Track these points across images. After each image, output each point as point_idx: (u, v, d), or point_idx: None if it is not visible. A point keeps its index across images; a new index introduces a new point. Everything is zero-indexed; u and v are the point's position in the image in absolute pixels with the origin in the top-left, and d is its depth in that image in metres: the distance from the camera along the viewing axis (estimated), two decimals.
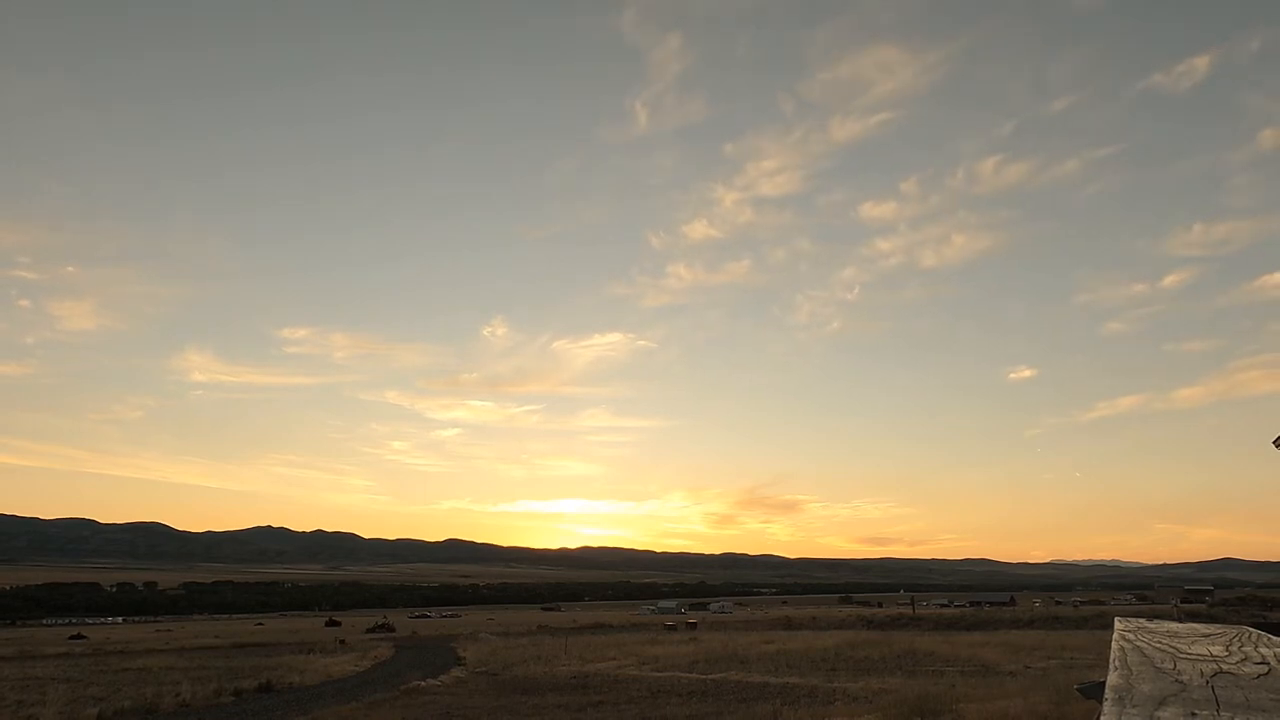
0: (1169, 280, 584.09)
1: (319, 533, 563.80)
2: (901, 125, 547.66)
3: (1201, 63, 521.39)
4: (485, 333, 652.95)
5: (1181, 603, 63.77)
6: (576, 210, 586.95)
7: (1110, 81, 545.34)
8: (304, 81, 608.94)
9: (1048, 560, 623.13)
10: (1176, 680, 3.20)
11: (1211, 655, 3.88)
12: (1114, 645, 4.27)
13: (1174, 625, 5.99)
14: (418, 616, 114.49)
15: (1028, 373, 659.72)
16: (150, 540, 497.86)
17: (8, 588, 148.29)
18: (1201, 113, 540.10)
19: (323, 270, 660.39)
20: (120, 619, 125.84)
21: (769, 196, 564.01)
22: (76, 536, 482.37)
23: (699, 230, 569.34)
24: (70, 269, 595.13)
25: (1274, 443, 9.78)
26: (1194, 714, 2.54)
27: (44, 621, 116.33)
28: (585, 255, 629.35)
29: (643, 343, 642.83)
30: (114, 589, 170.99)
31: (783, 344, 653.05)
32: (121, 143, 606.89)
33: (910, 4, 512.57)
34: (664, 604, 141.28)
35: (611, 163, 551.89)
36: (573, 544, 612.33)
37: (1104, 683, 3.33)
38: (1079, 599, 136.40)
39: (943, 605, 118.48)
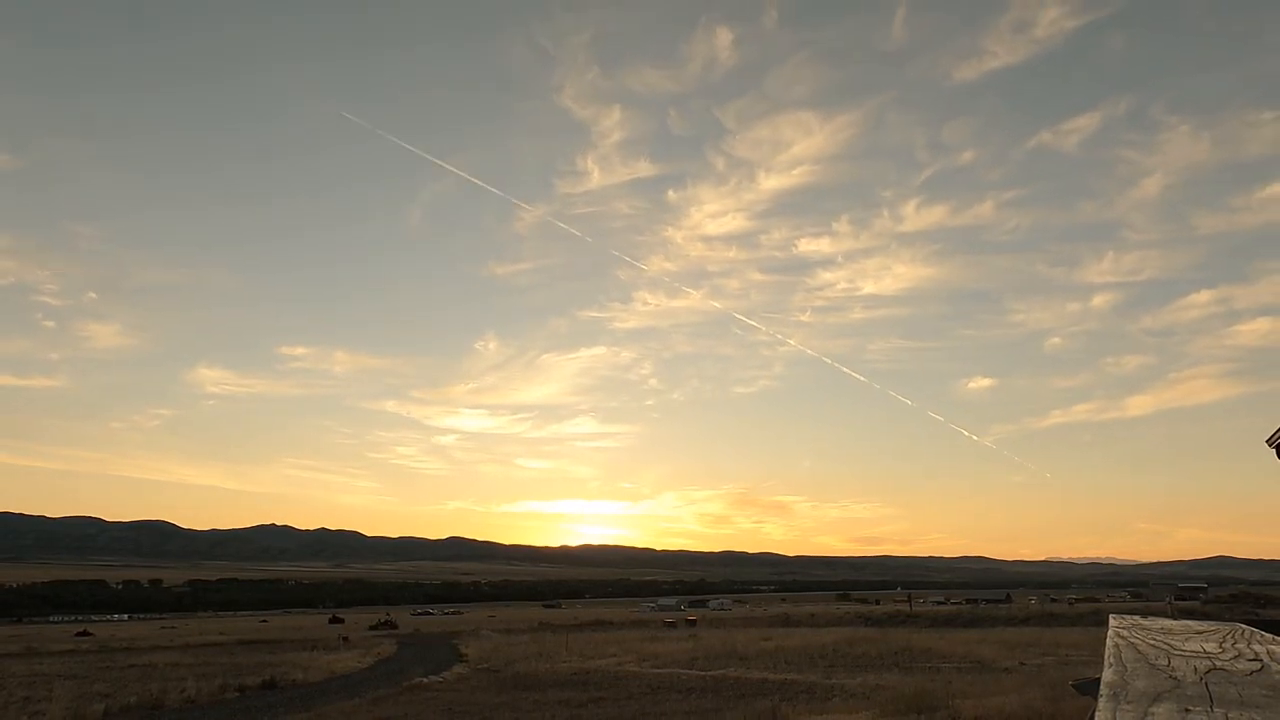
0: (1097, 301, 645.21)
1: (322, 531, 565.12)
2: (823, 176, 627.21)
3: (1087, 121, 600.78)
4: (478, 346, 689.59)
5: (1176, 600, 63.67)
6: (548, 248, 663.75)
7: (1002, 140, 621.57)
8: (306, 129, 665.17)
9: (1043, 558, 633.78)
10: (1171, 677, 3.22)
11: (1205, 652, 3.91)
12: (1109, 642, 4.30)
13: (1168, 622, 6.01)
14: (420, 614, 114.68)
15: (986, 382, 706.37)
16: (156, 539, 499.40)
17: (14, 585, 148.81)
18: (1092, 163, 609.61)
19: (323, 295, 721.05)
20: (126, 616, 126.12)
21: (715, 235, 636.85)
22: (83, 535, 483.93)
23: (656, 264, 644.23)
24: (92, 295, 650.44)
25: (1267, 442, 9.80)
26: (1188, 710, 2.56)
27: (50, 619, 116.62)
28: (559, 285, 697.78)
29: (625, 354, 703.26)
30: (120, 586, 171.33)
31: (748, 359, 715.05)
32: (135, 179, 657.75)
33: (814, 80, 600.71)
34: (664, 601, 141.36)
35: (574, 210, 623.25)
36: (574, 542, 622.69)
37: (1099, 679, 3.36)
38: (1074, 596, 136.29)
39: (939, 602, 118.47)
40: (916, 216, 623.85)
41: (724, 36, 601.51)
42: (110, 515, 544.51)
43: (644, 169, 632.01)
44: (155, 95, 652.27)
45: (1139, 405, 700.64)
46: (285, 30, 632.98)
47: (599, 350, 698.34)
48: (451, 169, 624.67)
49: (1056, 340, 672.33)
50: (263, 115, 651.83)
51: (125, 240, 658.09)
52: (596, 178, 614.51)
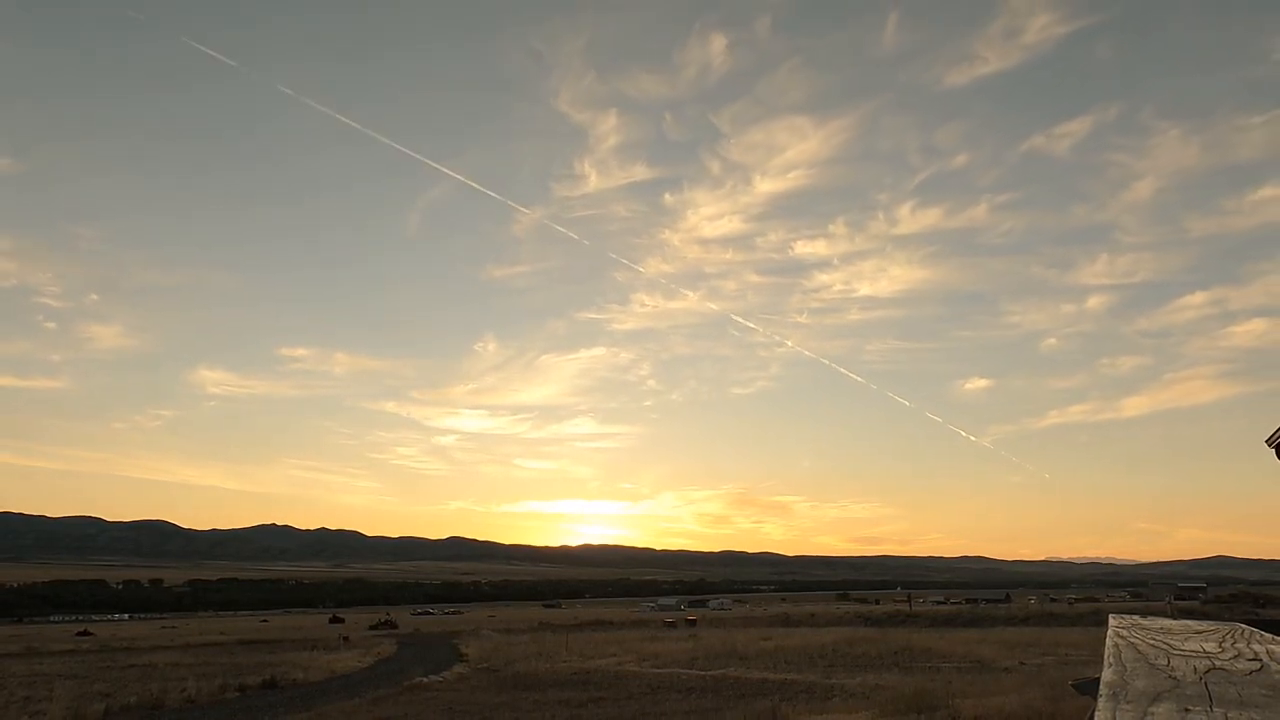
0: (1092, 302, 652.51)
1: (323, 531, 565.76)
2: (818, 179, 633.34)
3: (1078, 125, 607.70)
4: (477, 348, 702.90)
5: (1175, 600, 63.70)
6: (546, 250, 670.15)
7: (995, 144, 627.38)
8: (307, 131, 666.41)
9: (1043, 558, 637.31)
10: (1170, 677, 3.21)
11: (1205, 652, 3.91)
12: (1108, 642, 4.30)
13: (1168, 622, 6.01)
14: (420, 614, 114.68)
15: (983, 383, 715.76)
16: (156, 538, 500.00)
17: (15, 585, 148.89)
18: (1084, 167, 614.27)
19: (323, 297, 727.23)
20: (126, 616, 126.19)
21: (711, 237, 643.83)
22: (83, 534, 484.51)
23: (654, 267, 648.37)
24: (94, 297, 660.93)
25: (1267, 442, 9.80)
26: (1187, 710, 2.55)
27: (51, 618, 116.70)
28: (557, 287, 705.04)
29: (624, 355, 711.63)
30: (120, 586, 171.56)
31: (746, 360, 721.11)
32: (135, 181, 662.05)
33: (808, 86, 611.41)
34: (664, 601, 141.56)
35: (571, 213, 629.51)
36: (574, 542, 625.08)
37: (1098, 679, 3.36)
38: (1074, 596, 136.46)
39: (939, 602, 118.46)
40: (911, 219, 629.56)
41: (718, 42, 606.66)
42: (110, 515, 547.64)
43: (640, 173, 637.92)
44: (155, 97, 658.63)
45: (1135, 406, 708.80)
46: (286, 33, 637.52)
47: (598, 351, 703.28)
48: (449, 173, 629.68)
49: (1052, 341, 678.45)
50: (263, 117, 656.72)
51: (126, 242, 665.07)
52: (594, 181, 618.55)
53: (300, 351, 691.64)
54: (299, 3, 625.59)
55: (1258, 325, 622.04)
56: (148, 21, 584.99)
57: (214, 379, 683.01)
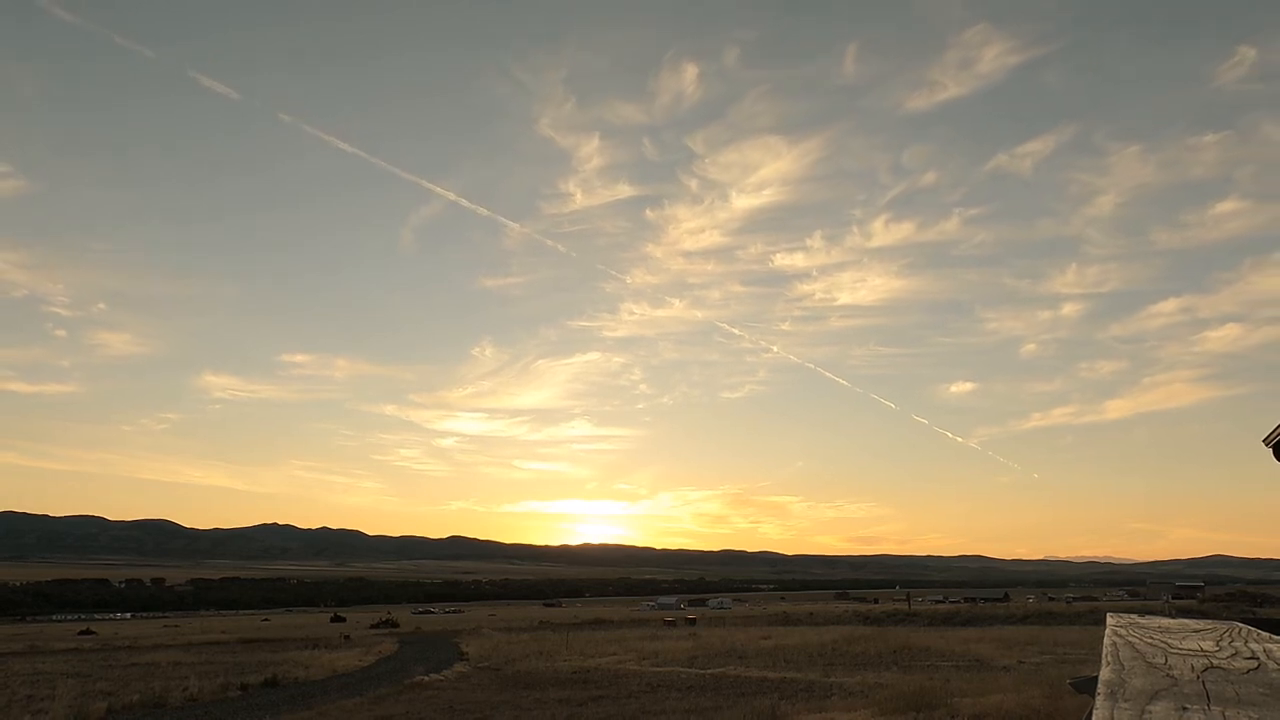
0: (1066, 310, 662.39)
1: (324, 530, 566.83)
2: (793, 195, 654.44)
3: (1040, 145, 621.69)
4: (474, 353, 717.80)
5: (1173, 599, 63.88)
6: (536, 263, 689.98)
7: (960, 163, 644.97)
8: (305, 149, 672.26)
9: (1041, 558, 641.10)
10: (1168, 675, 3.22)
11: (1202, 650, 3.92)
12: (1106, 640, 4.32)
13: (1165, 621, 6.04)
14: (421, 612, 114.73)
15: (967, 386, 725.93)
16: (158, 537, 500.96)
17: (18, 584, 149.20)
18: (1048, 185, 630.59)
19: (323, 304, 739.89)
20: (128, 615, 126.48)
21: (694, 250, 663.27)
22: (86, 534, 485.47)
23: (640, 278, 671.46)
24: (102, 306, 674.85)
25: (1264, 441, 9.80)
26: (1185, 708, 2.57)
27: (53, 617, 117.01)
28: (549, 297, 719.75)
29: (616, 360, 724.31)
30: (122, 585, 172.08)
31: (734, 366, 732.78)
32: (140, 195, 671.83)
33: (776, 111, 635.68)
34: (663, 600, 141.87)
35: (560, 228, 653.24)
36: (574, 541, 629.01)
37: (1096, 677, 3.38)
38: (1072, 595, 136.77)
39: (938, 601, 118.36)
40: (885, 233, 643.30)
41: (689, 72, 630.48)
42: (113, 515, 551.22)
43: (623, 191, 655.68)
44: (161, 120, 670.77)
45: (1118, 409, 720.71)
46: (287, 61, 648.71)
47: (592, 356, 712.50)
48: (441, 191, 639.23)
49: (1031, 347, 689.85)
50: (264, 142, 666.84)
51: (133, 254, 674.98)
52: (579, 199, 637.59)
53: (301, 357, 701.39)
54: (302, 33, 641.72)
55: (1232, 330, 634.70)
56: (155, 56, 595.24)
57: (218, 384, 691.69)
